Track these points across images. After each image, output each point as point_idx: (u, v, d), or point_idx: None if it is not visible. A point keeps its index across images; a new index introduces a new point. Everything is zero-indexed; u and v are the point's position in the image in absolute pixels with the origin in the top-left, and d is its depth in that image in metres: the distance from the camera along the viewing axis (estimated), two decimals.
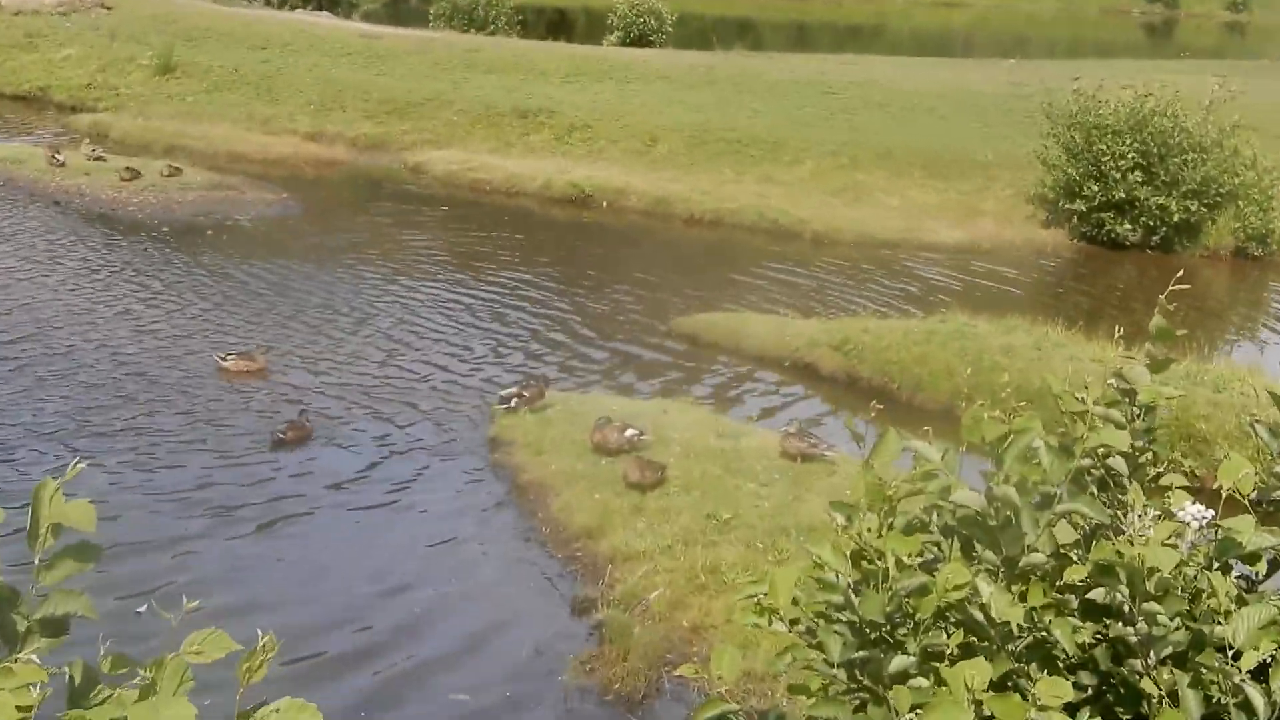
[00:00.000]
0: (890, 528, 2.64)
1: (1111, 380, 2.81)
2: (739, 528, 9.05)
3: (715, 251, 20.87)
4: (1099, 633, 2.48)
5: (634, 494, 9.71)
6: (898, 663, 2.44)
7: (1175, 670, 2.33)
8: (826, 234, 21.39)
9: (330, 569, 8.60)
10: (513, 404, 11.46)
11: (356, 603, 8.20)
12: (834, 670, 2.50)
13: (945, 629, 2.50)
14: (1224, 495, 2.46)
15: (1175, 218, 19.83)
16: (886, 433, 2.79)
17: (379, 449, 10.96)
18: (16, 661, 1.72)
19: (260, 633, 1.88)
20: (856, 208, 22.48)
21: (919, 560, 2.57)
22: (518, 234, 20.66)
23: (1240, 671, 2.22)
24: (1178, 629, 2.34)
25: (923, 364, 13.44)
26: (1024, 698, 2.29)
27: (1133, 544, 2.36)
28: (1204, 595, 2.36)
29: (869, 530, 2.62)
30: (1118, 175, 20.06)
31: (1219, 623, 2.28)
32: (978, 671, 2.27)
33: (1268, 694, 2.19)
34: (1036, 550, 2.54)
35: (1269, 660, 2.24)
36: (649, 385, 13.42)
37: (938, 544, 2.68)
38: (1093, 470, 2.72)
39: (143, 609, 6.70)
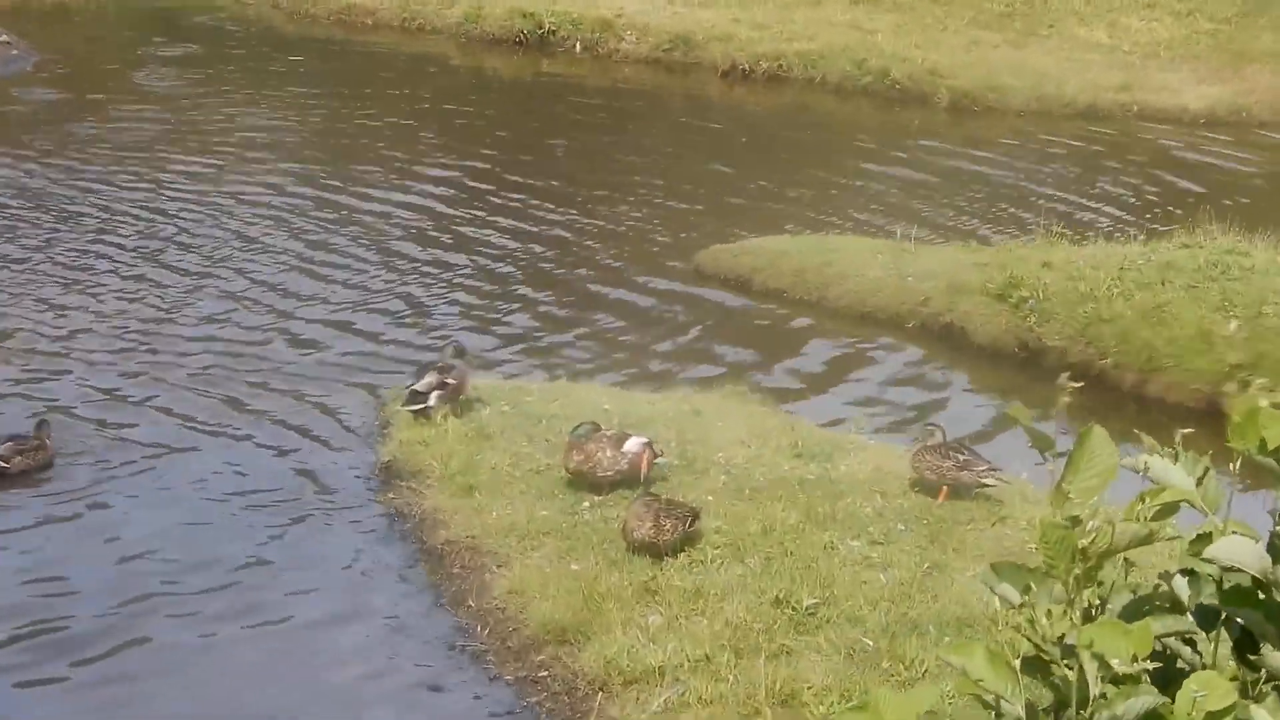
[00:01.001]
0: (1098, 610, 2.77)
1: None
2: (833, 621, 9.00)
3: (777, 129, 20.55)
4: None
5: (642, 562, 9.71)
6: None
7: None
8: (975, 95, 21.00)
9: None
10: (429, 404, 11.71)
11: None
12: None
13: None
14: None
15: None
16: (1088, 436, 2.96)
17: (181, 492, 11.21)
18: None
19: None
20: (1028, 49, 21.71)
21: (1148, 667, 2.64)
22: (426, 102, 20.53)
23: None
24: None
25: (1156, 321, 13.82)
26: None
27: None
28: None
29: (1056, 615, 2.73)
30: None
31: None
32: None
33: None
34: None
35: None
36: (665, 365, 14.14)
37: (1186, 637, 2.80)
38: None
39: None
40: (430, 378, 11.75)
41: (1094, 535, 2.84)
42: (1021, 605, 2.87)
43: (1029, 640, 2.82)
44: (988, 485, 10.48)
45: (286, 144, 20.01)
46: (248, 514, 10.87)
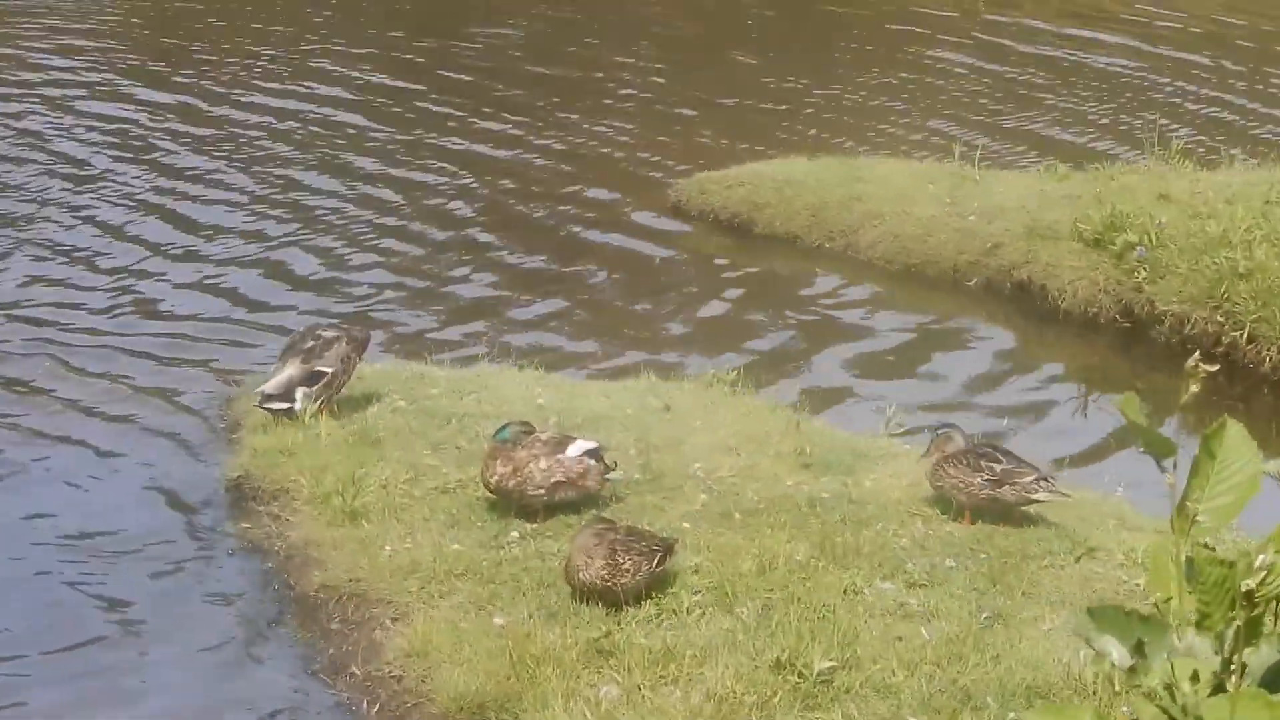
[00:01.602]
0: (1237, 670, 2.85)
1: None
2: (855, 692, 9.06)
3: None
4: None
5: (593, 614, 9.77)
6: None
7: None
8: None
9: None
10: (295, 403, 11.89)
11: None
12: None
13: None
14: None
15: None
16: (1220, 435, 3.14)
17: None
18: None
19: None
20: None
21: None
22: None
23: None
24: None
25: None
26: None
27: None
28: None
29: (1183, 682, 2.83)
30: None
31: None
32: None
33: None
34: None
35: None
36: (624, 342, 14.57)
37: None
38: None
39: None
40: (290, 370, 11.90)
41: (1265, 574, 2.85)
42: (1137, 667, 2.88)
43: (1160, 713, 2.83)
44: (1038, 501, 10.68)
45: (133, 33, 20.15)
46: (43, 554, 11.06)
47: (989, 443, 11.23)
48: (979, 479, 10.59)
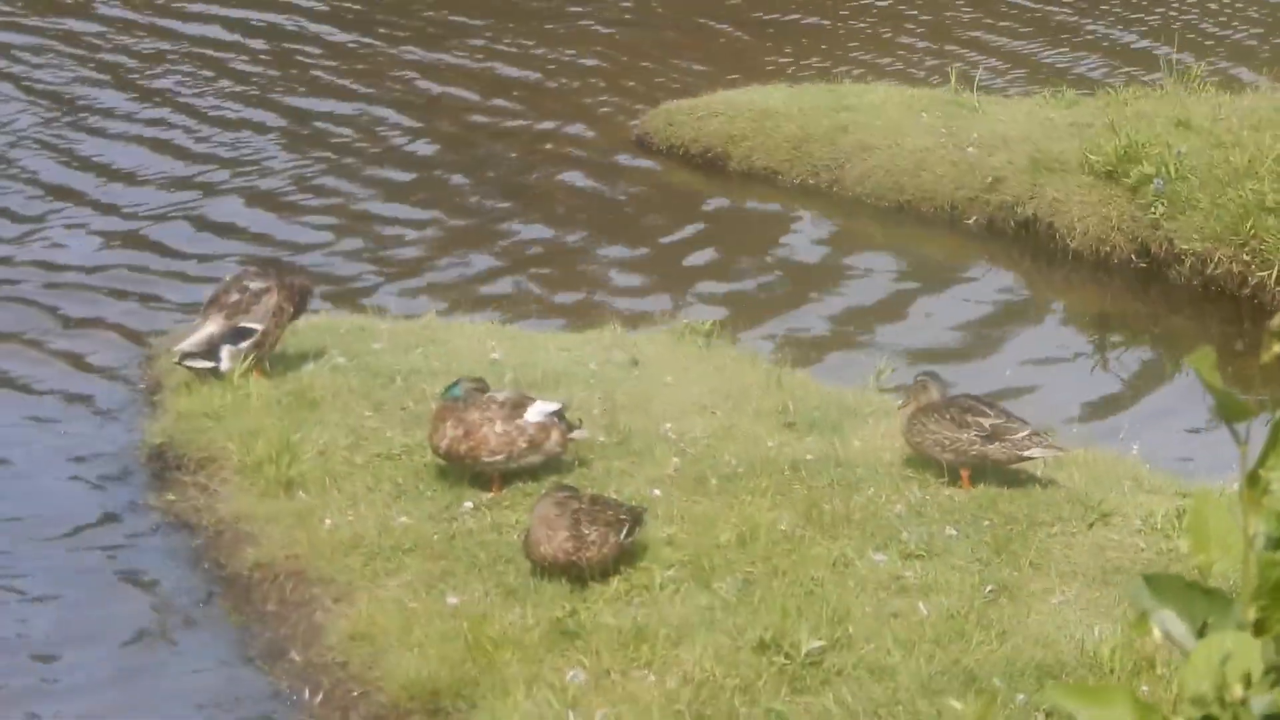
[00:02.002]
0: None
1: None
2: (847, 673, 9.12)
3: None
4: None
5: (556, 591, 9.86)
6: None
7: None
8: None
9: None
10: (220, 362, 11.91)
11: None
12: None
13: None
14: None
15: None
16: None
17: None
18: None
19: None
20: None
21: None
22: None
23: None
24: None
25: None
26: None
27: None
28: None
29: (1233, 684, 2.80)
30: None
31: None
32: None
33: None
34: None
35: None
36: (586, 290, 14.61)
37: None
38: None
39: None
40: (210, 327, 11.87)
41: None
42: (1193, 654, 2.83)
43: (1203, 694, 2.80)
44: (1030, 459, 10.77)
45: None
46: None
47: (968, 394, 11.32)
48: (968, 435, 10.65)
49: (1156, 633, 2.93)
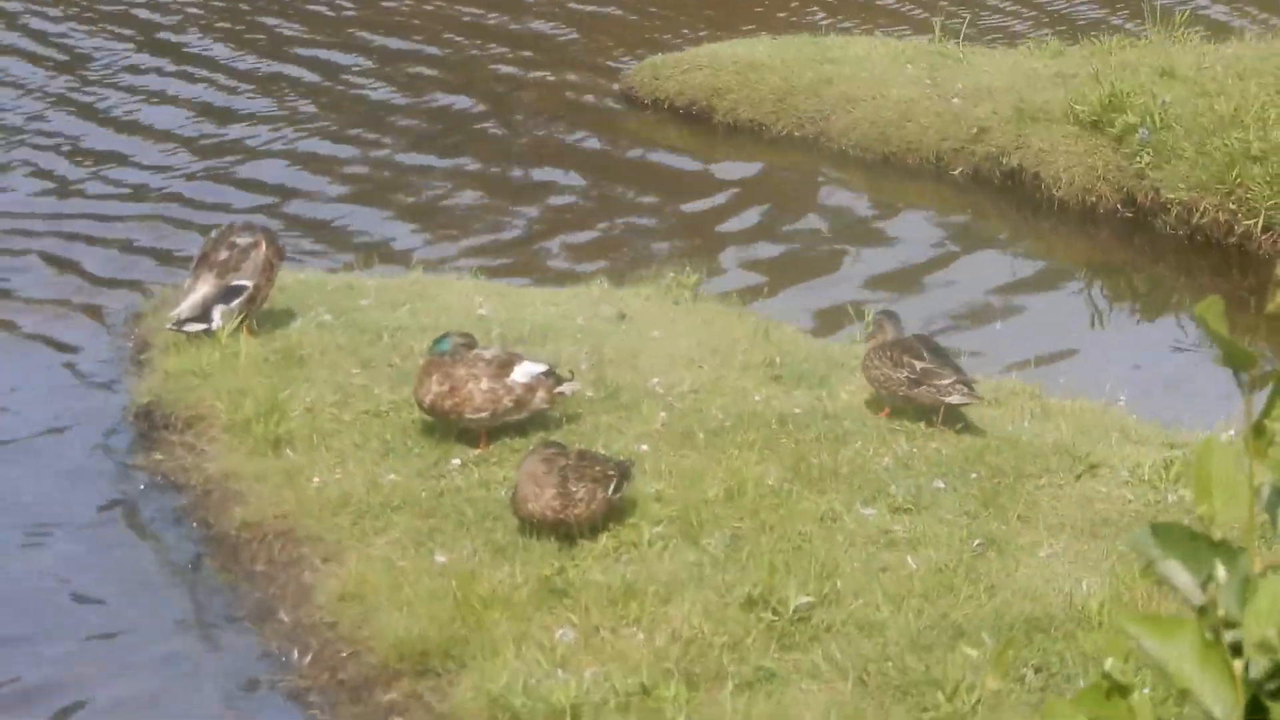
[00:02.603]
0: None
1: None
2: (836, 629, 9.21)
3: None
4: None
5: (544, 548, 9.88)
6: None
7: None
8: None
9: None
10: (213, 322, 11.87)
11: None
12: None
13: None
14: None
15: None
16: None
17: None
18: None
19: None
20: None
21: None
22: None
23: None
24: None
25: None
26: None
27: None
28: None
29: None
30: None
31: None
32: None
33: None
34: None
35: None
36: (573, 245, 14.67)
37: None
38: None
39: None
40: (204, 288, 11.79)
41: None
42: (1204, 607, 2.82)
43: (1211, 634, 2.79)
44: (955, 405, 10.88)
45: None
46: None
47: (918, 337, 11.39)
48: (899, 375, 10.82)
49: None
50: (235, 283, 11.83)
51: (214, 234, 12.34)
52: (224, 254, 11.85)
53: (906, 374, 10.78)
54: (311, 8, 19.99)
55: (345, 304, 12.50)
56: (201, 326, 11.80)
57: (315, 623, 9.70)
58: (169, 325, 11.93)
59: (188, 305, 11.75)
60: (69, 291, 13.75)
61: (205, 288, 11.76)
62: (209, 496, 10.78)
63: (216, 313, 11.80)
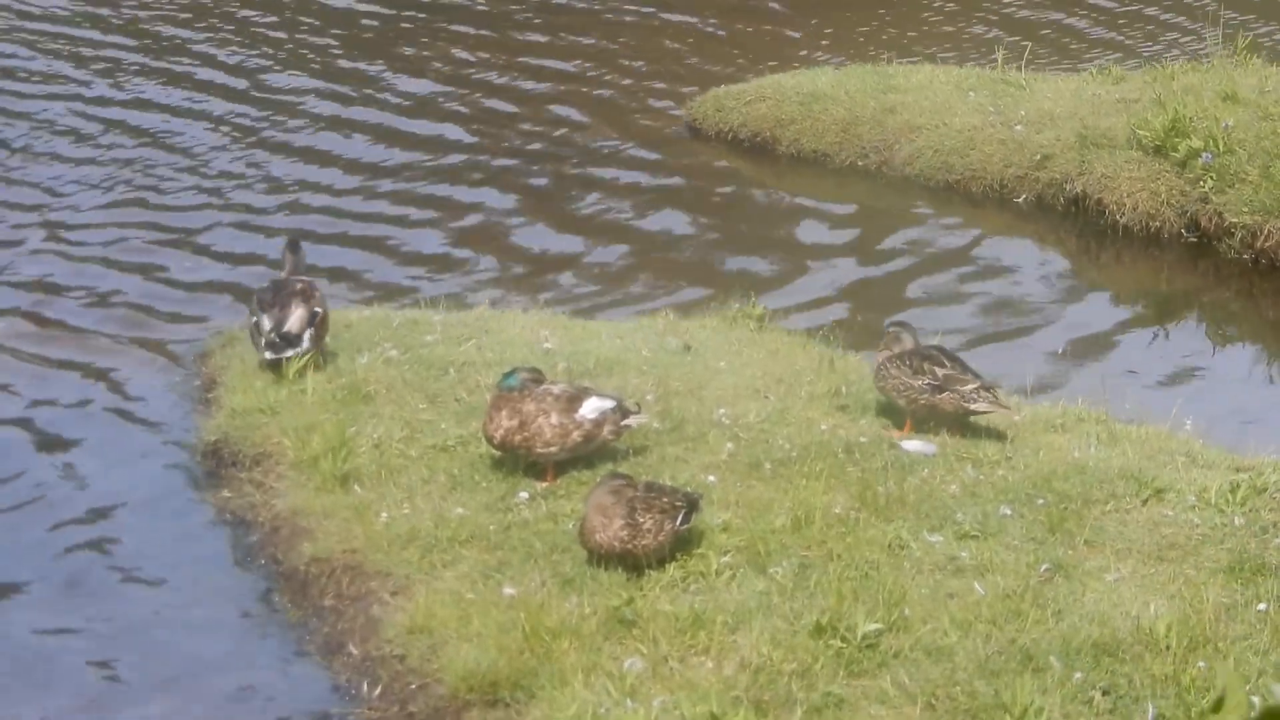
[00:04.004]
0: None
1: None
2: (904, 655, 9.17)
3: None
4: None
5: (613, 579, 9.88)
6: None
7: None
8: None
9: None
10: (304, 344, 12.01)
11: None
12: None
13: None
14: None
15: None
16: None
17: None
18: None
19: None
20: None
21: None
22: None
23: None
24: None
25: None
26: None
27: None
28: None
29: None
30: None
31: None
32: None
33: None
34: None
35: None
36: (639, 278, 14.69)
37: None
38: None
39: None
40: (299, 310, 11.83)
41: None
42: None
43: None
44: (979, 413, 10.89)
45: None
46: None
47: (935, 348, 11.38)
48: (920, 383, 10.85)
49: None
50: (316, 308, 11.98)
51: (268, 284, 12.44)
52: (298, 285, 12.00)
53: (928, 380, 10.84)
54: (396, 49, 20.09)
55: (411, 339, 12.46)
56: (293, 351, 11.85)
57: (384, 655, 9.68)
58: (268, 345, 11.89)
59: (294, 317, 11.83)
60: (137, 329, 13.76)
61: (300, 312, 11.84)
62: (277, 533, 10.79)
63: (306, 336, 11.91)
